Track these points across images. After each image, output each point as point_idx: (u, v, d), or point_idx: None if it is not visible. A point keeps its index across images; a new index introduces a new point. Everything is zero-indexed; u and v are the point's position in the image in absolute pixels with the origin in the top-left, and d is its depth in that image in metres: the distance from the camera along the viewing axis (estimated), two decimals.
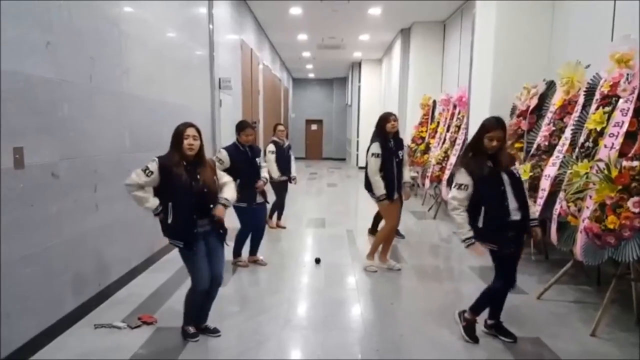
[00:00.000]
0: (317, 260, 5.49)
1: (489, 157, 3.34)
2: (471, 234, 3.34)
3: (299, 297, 4.49)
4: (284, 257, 5.77)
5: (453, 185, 3.45)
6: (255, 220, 5.20)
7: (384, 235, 5.20)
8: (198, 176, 3.27)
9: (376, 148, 4.86)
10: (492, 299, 3.53)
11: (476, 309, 3.54)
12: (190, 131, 3.24)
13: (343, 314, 4.05)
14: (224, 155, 4.86)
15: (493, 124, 3.30)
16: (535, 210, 3.45)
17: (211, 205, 3.32)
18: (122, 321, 3.71)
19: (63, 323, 3.52)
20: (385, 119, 4.93)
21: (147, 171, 3.20)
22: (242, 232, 5.22)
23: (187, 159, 3.26)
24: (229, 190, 3.49)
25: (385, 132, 4.91)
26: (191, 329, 3.48)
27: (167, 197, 3.23)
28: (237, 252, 5.28)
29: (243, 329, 3.66)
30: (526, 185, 4.80)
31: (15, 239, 2.97)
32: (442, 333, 3.64)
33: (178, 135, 3.25)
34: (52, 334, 3.39)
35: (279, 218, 7.38)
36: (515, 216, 3.28)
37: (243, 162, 4.88)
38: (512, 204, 3.28)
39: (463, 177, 3.36)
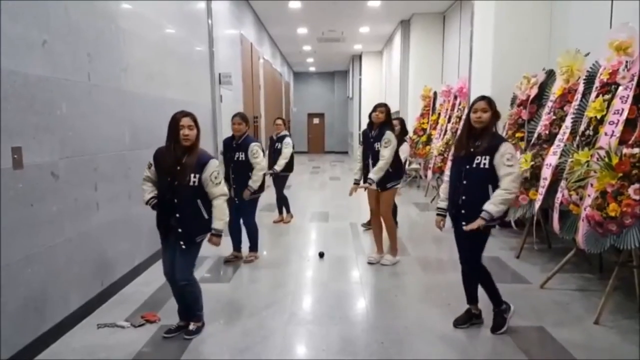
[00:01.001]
0: (321, 254, 5.49)
1: (476, 135, 3.33)
2: (442, 204, 3.63)
3: (303, 291, 4.50)
4: (288, 252, 5.77)
5: None
6: (242, 217, 5.17)
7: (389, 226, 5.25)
8: (178, 167, 3.25)
9: (361, 137, 5.17)
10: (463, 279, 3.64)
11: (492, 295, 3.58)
12: (185, 121, 3.24)
13: (347, 307, 4.06)
14: (222, 146, 5.00)
15: (476, 99, 3.38)
16: (494, 206, 3.23)
17: (175, 200, 3.25)
18: (126, 320, 3.72)
19: (67, 322, 3.54)
20: (373, 109, 4.99)
21: (149, 163, 3.42)
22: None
23: (182, 148, 3.26)
24: (218, 216, 3.35)
25: (371, 121, 5.01)
26: (173, 326, 3.53)
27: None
28: (234, 247, 5.29)
29: (248, 324, 3.68)
30: (527, 175, 4.84)
31: (16, 240, 2.98)
32: (446, 324, 3.65)
33: (174, 123, 3.26)
34: (56, 334, 3.40)
35: (287, 212, 7.42)
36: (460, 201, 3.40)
37: (227, 155, 4.96)
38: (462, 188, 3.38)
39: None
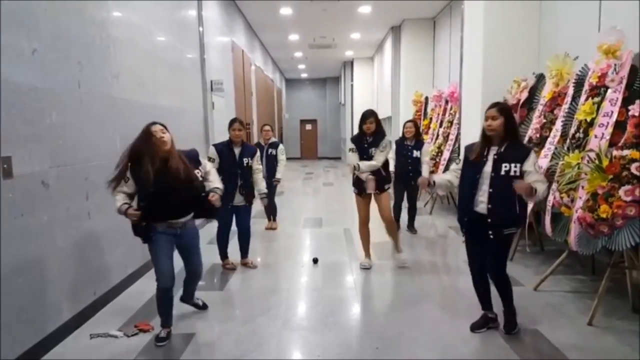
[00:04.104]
0: (315, 260, 5.48)
1: (492, 142, 3.31)
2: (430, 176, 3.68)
3: (297, 297, 4.48)
4: (282, 258, 5.75)
5: None
6: (237, 223, 5.16)
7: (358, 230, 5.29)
8: (166, 174, 3.29)
9: (350, 144, 5.13)
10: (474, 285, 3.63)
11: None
12: (156, 127, 3.32)
13: (342, 313, 4.05)
14: (212, 151, 4.95)
15: (489, 106, 3.34)
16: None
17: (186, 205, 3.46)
18: (119, 329, 3.69)
19: (59, 333, 3.50)
20: (361, 119, 5.01)
21: (125, 177, 3.32)
22: (218, 231, 5.17)
23: (158, 154, 3.27)
24: (216, 178, 3.77)
25: (362, 130, 4.99)
26: (162, 333, 3.51)
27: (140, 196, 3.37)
28: (222, 255, 5.26)
29: (242, 332, 3.65)
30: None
31: (7, 250, 2.95)
32: (441, 328, 3.65)
33: (146, 134, 3.29)
34: (48, 345, 3.36)
35: (273, 219, 7.38)
36: (480, 209, 3.32)
37: (227, 161, 4.91)
38: (481, 196, 3.31)
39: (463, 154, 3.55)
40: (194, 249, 3.68)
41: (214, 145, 5.07)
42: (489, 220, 3.28)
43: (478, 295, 3.61)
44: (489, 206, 3.26)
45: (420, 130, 6.97)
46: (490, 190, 3.25)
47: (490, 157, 3.29)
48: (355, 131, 5.21)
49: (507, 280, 3.48)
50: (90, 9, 4.06)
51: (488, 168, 3.28)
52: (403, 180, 6.47)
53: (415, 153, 6.37)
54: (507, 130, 3.26)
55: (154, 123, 3.36)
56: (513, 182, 3.10)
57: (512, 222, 3.31)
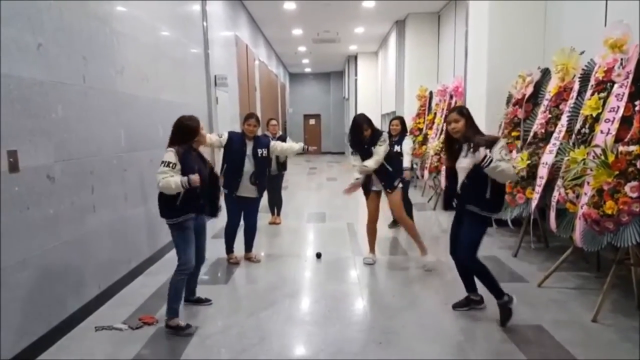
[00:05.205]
0: (318, 255, 5.48)
1: (461, 143, 3.56)
2: None
3: (301, 292, 4.49)
4: (285, 253, 5.76)
5: None
6: (245, 217, 5.19)
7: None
8: (205, 163, 3.75)
9: (350, 148, 5.17)
10: None
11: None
12: (201, 124, 3.69)
13: (345, 308, 4.05)
14: (225, 135, 5.01)
15: (449, 111, 3.64)
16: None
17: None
18: (123, 322, 3.71)
19: (64, 326, 3.52)
20: (356, 128, 4.87)
21: (172, 164, 3.44)
22: (227, 226, 5.19)
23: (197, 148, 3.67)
24: None
25: (359, 137, 4.92)
26: (182, 323, 3.53)
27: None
28: (228, 249, 5.27)
29: (245, 326, 3.67)
30: (524, 173, 4.86)
31: (13, 243, 2.96)
32: (444, 324, 3.65)
33: (196, 127, 3.62)
34: (53, 338, 3.38)
35: (278, 214, 7.39)
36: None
37: (236, 150, 4.95)
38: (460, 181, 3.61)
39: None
40: (204, 231, 3.86)
41: (230, 132, 5.14)
42: (462, 202, 3.59)
43: (461, 278, 3.83)
44: (459, 192, 3.60)
45: (407, 127, 6.90)
46: (465, 181, 3.53)
47: (462, 154, 3.53)
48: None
49: (479, 265, 3.57)
50: (94, 3, 4.06)
51: (461, 164, 3.54)
52: None
53: (396, 147, 6.05)
54: (469, 129, 3.50)
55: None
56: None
57: (476, 200, 3.49)
